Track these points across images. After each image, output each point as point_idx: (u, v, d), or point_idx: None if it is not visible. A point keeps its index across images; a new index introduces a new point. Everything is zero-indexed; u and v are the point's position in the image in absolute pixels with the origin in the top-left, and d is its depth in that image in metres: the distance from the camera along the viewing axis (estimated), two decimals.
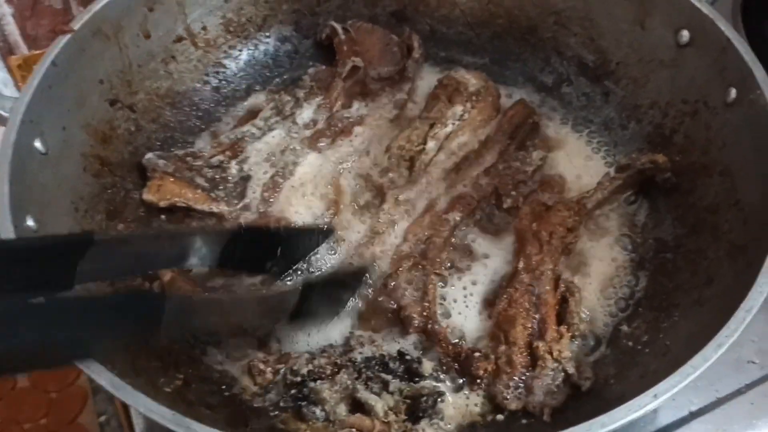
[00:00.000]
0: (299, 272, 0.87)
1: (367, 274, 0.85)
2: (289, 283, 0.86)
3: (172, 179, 0.92)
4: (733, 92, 0.83)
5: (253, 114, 1.04)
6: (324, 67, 1.08)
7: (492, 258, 0.89)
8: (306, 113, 1.01)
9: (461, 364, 0.77)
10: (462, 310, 0.85)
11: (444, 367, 0.78)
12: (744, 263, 0.72)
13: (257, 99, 1.07)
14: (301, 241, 0.88)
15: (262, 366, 0.77)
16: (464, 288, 0.87)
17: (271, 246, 0.85)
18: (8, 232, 0.70)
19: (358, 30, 1.08)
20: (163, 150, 0.97)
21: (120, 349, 0.71)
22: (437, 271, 0.86)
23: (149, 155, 0.93)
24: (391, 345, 0.81)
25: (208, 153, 0.96)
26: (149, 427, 0.80)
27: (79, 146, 0.87)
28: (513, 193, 0.92)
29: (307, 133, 1.00)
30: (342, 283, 0.85)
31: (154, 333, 0.65)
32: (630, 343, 0.78)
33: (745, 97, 0.80)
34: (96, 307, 0.63)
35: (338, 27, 1.07)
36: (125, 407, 0.86)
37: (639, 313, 0.81)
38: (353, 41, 1.06)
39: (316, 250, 0.88)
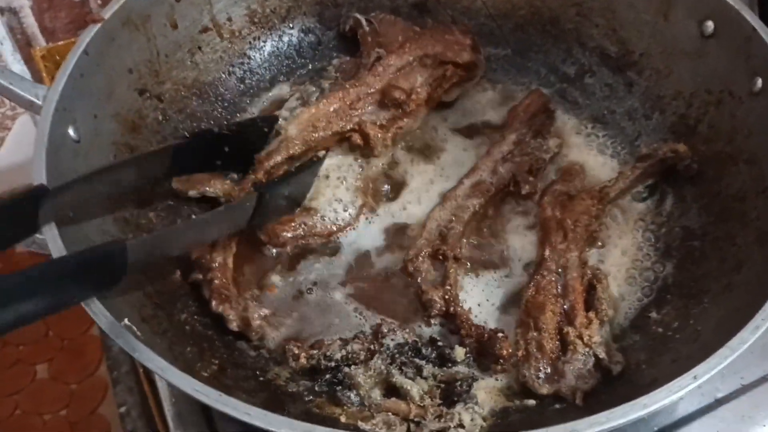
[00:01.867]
0: None
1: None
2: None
3: None
4: (759, 82, 0.83)
5: (278, 104, 1.04)
6: (349, 58, 1.08)
7: (511, 247, 0.90)
8: None
9: (484, 345, 0.78)
10: (480, 298, 0.86)
11: (468, 349, 0.79)
12: None
13: (281, 90, 1.07)
14: (245, 134, 0.93)
15: (296, 350, 0.77)
16: (484, 277, 0.87)
17: (216, 147, 0.90)
18: None
19: (381, 22, 1.08)
20: None
21: (158, 335, 0.73)
22: (457, 255, 0.87)
23: None
24: (422, 331, 0.82)
25: None
26: (179, 415, 0.81)
27: (109, 135, 0.87)
28: (531, 179, 0.93)
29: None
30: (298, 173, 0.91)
31: (122, 278, 0.67)
32: (660, 330, 0.78)
33: None
34: (65, 269, 0.65)
35: (362, 18, 1.07)
36: (155, 396, 0.86)
37: (668, 300, 0.82)
38: (377, 33, 1.06)
39: (266, 140, 0.92)
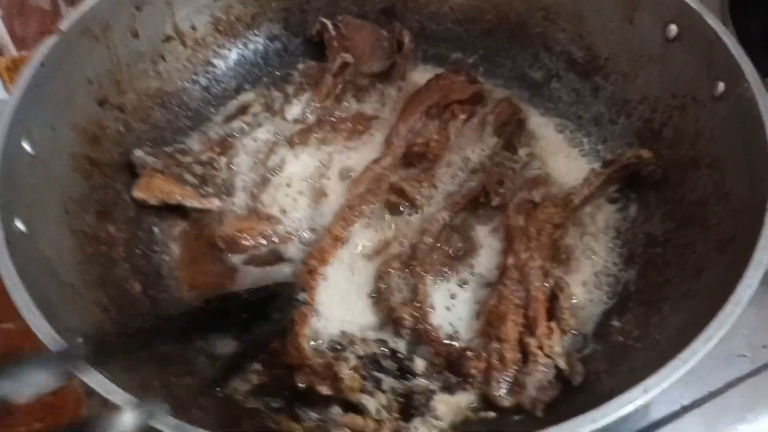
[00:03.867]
0: None
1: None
2: None
3: (161, 176, 0.92)
4: (721, 86, 0.83)
5: (242, 111, 1.04)
6: (314, 63, 1.08)
7: (482, 256, 0.89)
8: (295, 109, 1.01)
9: (453, 364, 0.77)
10: (453, 310, 0.85)
11: (436, 367, 0.78)
12: (733, 256, 0.72)
13: (247, 98, 1.07)
14: (268, 299, 0.83)
15: (257, 366, 0.77)
16: (455, 288, 0.87)
17: (233, 311, 0.80)
18: None
19: (348, 26, 1.08)
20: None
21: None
22: (427, 270, 0.86)
23: (138, 152, 0.93)
24: (382, 344, 0.81)
25: (198, 149, 0.96)
26: None
27: (68, 146, 0.86)
28: (501, 190, 0.92)
29: (296, 128, 1.00)
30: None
31: None
32: (621, 338, 0.78)
33: (733, 90, 0.81)
34: None
35: (328, 23, 1.07)
36: None
37: (629, 308, 0.81)
38: (343, 37, 1.06)
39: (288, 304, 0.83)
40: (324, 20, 1.08)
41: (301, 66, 1.07)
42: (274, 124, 1.00)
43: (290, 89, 1.03)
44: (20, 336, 1.66)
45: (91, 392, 0.93)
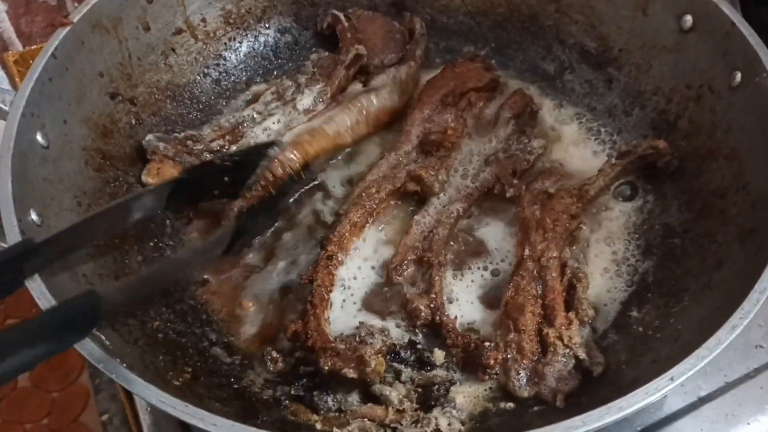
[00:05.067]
0: None
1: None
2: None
3: (171, 163, 0.91)
4: (738, 76, 0.82)
5: (254, 99, 1.03)
6: (327, 53, 1.07)
7: (496, 248, 0.89)
8: (306, 99, 1.00)
9: (471, 355, 0.76)
10: (469, 300, 0.84)
11: (454, 359, 0.77)
12: (754, 246, 0.72)
13: (258, 90, 1.06)
14: (245, 162, 0.90)
15: (274, 354, 0.76)
16: (471, 279, 0.86)
17: (217, 177, 0.88)
18: (12, 227, 0.69)
19: (359, 18, 1.07)
20: None
21: (129, 344, 0.71)
22: (442, 262, 0.85)
23: (149, 137, 0.92)
24: (401, 334, 0.80)
25: (208, 137, 0.96)
26: (156, 424, 0.80)
27: (80, 140, 0.86)
28: (515, 182, 0.91)
29: (307, 118, 0.99)
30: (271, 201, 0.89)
31: (99, 323, 0.66)
32: (641, 329, 0.77)
33: (751, 80, 0.80)
34: (39, 327, 0.63)
35: (340, 15, 1.06)
36: (131, 404, 0.85)
37: (648, 299, 0.81)
38: (356, 29, 1.05)
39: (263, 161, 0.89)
40: (336, 12, 1.07)
41: (314, 56, 1.07)
42: (285, 114, 0.99)
43: (302, 79, 1.02)
44: None
45: (99, 388, 0.94)
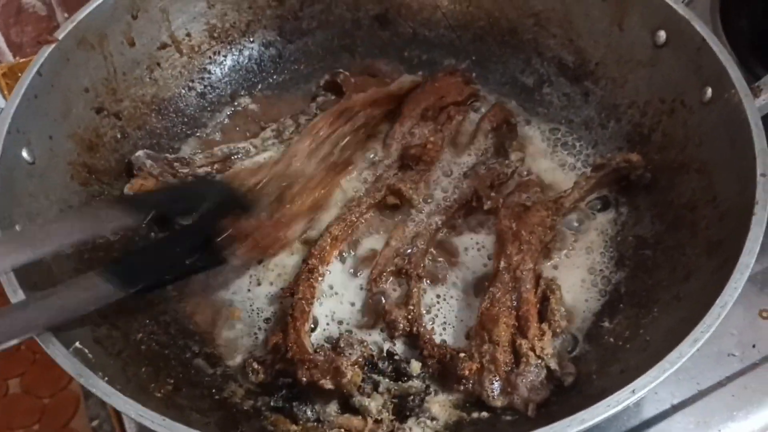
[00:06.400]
0: None
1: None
2: None
3: (155, 181, 0.93)
4: (709, 91, 0.84)
5: (239, 117, 1.06)
6: (333, 97, 1.08)
7: (473, 259, 0.91)
8: None
9: (446, 366, 0.78)
10: (444, 312, 0.86)
11: (429, 369, 0.79)
12: (720, 259, 0.73)
13: (243, 103, 1.08)
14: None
15: (256, 365, 0.78)
16: (447, 291, 0.88)
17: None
18: None
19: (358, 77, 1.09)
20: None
21: (112, 356, 0.73)
22: (420, 274, 0.87)
23: (139, 153, 0.94)
24: (380, 345, 0.82)
25: (198, 162, 0.97)
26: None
27: (65, 155, 0.88)
28: (493, 194, 0.93)
29: None
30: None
31: None
32: (611, 339, 0.79)
33: (721, 96, 0.82)
34: None
35: (340, 74, 1.08)
36: (117, 412, 0.86)
37: (620, 310, 0.83)
38: (356, 83, 1.07)
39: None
40: (335, 71, 1.09)
41: (320, 99, 1.07)
42: (278, 151, 1.00)
43: (302, 119, 1.04)
44: None
45: (89, 393, 0.95)
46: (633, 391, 0.61)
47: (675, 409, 0.82)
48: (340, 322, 0.85)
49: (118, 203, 0.87)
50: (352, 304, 0.87)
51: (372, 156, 1.01)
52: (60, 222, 0.80)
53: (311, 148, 0.96)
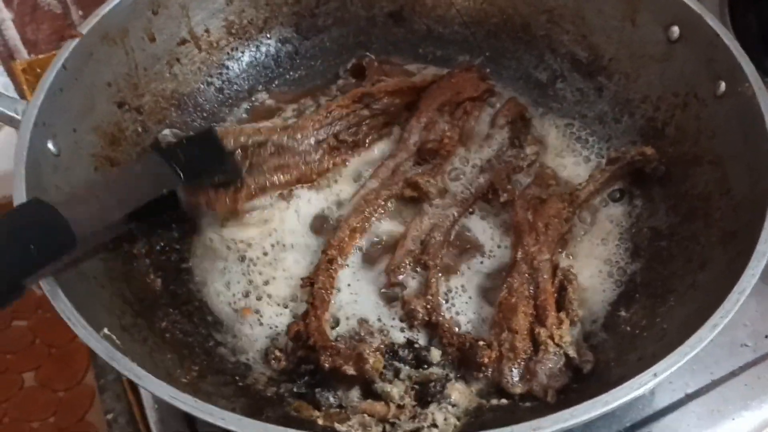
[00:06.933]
0: None
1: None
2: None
3: None
4: (723, 85, 0.86)
5: (262, 113, 1.07)
6: (354, 80, 1.09)
7: (490, 251, 0.92)
8: None
9: (465, 354, 0.80)
10: (463, 301, 0.88)
11: (449, 357, 0.81)
12: (735, 249, 0.75)
13: (260, 98, 1.10)
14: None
15: (278, 353, 0.79)
16: (465, 281, 0.89)
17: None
18: None
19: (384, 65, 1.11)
20: None
21: (138, 343, 0.74)
22: (438, 264, 0.89)
23: (166, 131, 0.97)
24: (400, 333, 0.84)
25: None
26: (162, 421, 0.83)
27: (89, 148, 0.89)
28: (509, 187, 0.95)
29: None
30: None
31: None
32: (628, 328, 0.81)
33: (734, 89, 0.84)
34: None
35: (367, 57, 1.10)
36: (138, 402, 0.87)
37: (636, 299, 0.84)
38: (381, 69, 1.08)
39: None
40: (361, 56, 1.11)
41: (341, 81, 1.09)
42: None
43: (323, 100, 1.05)
44: (32, 332, 1.70)
45: (104, 387, 0.96)
46: (654, 374, 0.62)
47: (689, 398, 0.84)
48: (360, 314, 0.86)
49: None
50: (371, 295, 0.88)
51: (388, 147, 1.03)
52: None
53: (320, 124, 0.97)
